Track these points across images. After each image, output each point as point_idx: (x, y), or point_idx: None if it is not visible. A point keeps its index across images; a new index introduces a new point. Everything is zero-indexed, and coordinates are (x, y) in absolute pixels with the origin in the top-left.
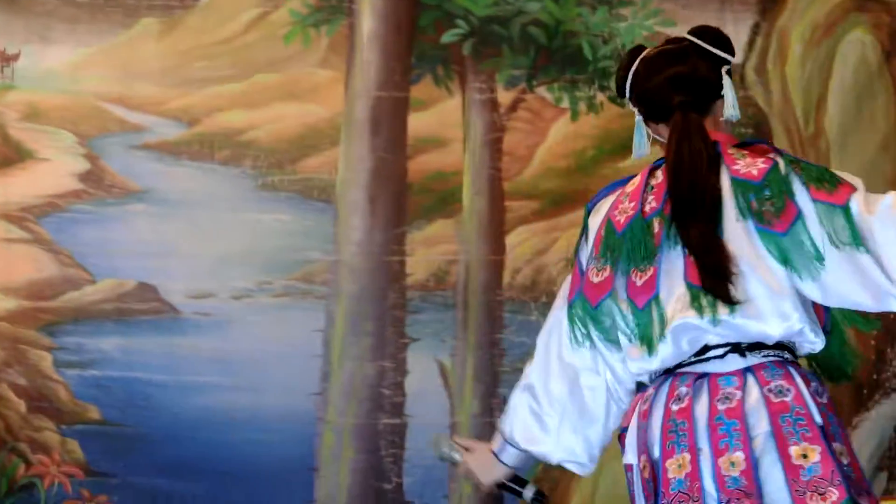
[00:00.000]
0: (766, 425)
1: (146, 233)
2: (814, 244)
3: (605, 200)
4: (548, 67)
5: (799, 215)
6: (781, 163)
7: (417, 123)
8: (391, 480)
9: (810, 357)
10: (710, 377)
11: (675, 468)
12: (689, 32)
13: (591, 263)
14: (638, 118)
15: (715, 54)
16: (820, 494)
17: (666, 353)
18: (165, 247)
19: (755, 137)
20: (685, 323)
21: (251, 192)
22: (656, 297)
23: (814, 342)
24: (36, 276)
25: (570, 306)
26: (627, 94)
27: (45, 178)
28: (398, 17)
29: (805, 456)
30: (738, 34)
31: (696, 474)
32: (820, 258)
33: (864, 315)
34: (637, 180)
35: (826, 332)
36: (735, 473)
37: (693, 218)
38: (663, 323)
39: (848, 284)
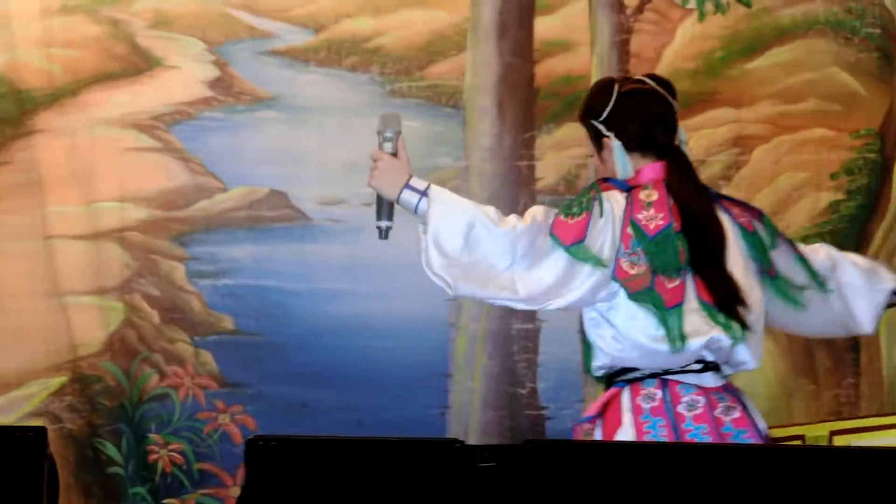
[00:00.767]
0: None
1: (276, 139)
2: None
3: (612, 193)
4: None
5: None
6: (765, 219)
7: (544, 27)
8: (525, 385)
9: None
10: (707, 391)
11: None
12: (659, 83)
13: (622, 255)
14: (617, 143)
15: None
16: None
17: (678, 356)
18: (295, 153)
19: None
20: (715, 337)
21: (379, 99)
22: (681, 306)
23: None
24: (167, 184)
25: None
26: (603, 119)
27: (174, 86)
28: None
29: None
30: None
31: None
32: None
33: None
34: (654, 194)
35: None
36: None
37: (711, 250)
38: (681, 328)
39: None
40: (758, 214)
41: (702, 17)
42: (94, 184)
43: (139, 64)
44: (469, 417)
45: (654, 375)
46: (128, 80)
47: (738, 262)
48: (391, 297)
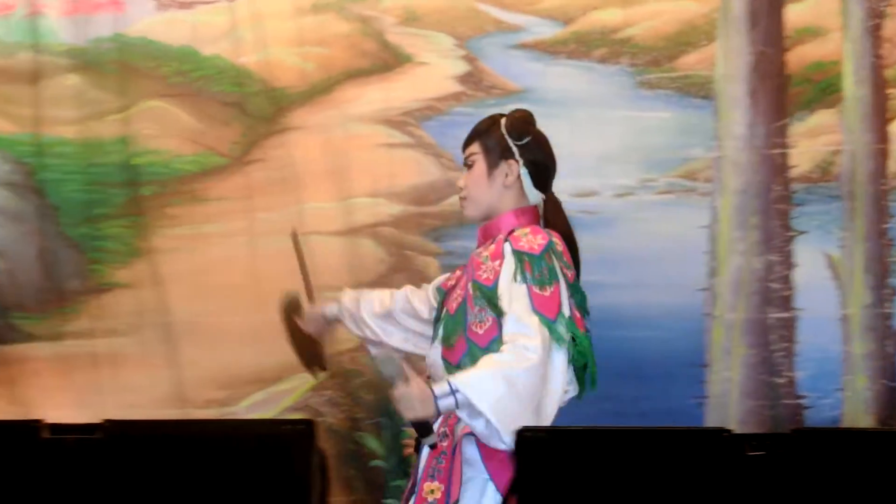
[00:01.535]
0: None
1: None
2: None
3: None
4: None
5: None
6: None
7: (794, 14)
8: (783, 375)
9: None
10: None
11: None
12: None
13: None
14: (525, 171)
15: None
16: None
17: None
18: None
19: None
20: None
21: (629, 90)
22: None
23: None
24: (419, 180)
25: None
26: (521, 143)
27: (424, 82)
28: None
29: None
30: None
31: None
32: None
33: None
34: (559, 244)
35: None
36: None
37: None
38: None
39: None
40: None
41: None
42: (347, 180)
43: (389, 60)
44: (727, 407)
45: None
46: (378, 76)
47: None
48: (645, 287)
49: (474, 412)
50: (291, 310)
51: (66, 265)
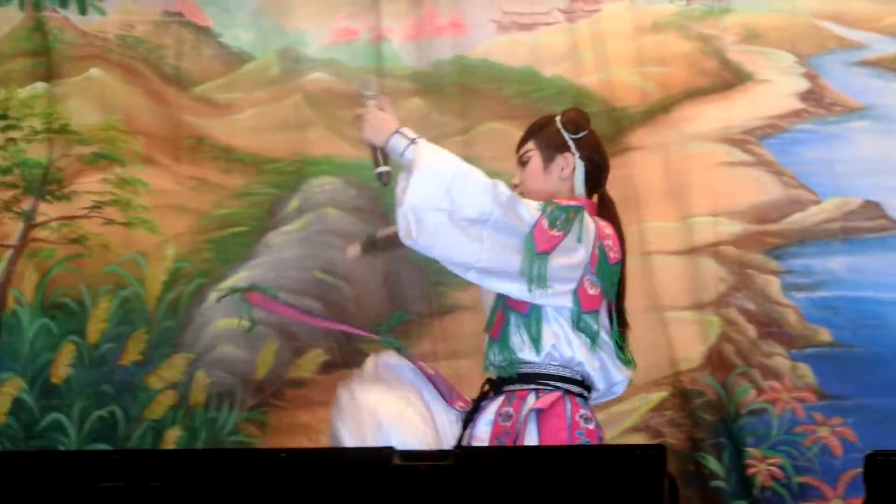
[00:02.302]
0: None
1: (868, 150)
2: None
3: (586, 215)
4: None
5: None
6: None
7: None
8: None
9: None
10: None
11: None
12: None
13: (587, 274)
14: (580, 164)
15: None
16: None
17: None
18: (889, 163)
19: None
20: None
21: None
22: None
23: None
24: (760, 198)
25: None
26: (577, 137)
27: (765, 100)
28: None
29: None
30: None
31: None
32: None
33: None
34: (608, 228)
35: None
36: None
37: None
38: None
39: None
40: None
41: None
42: (688, 199)
43: (729, 78)
44: None
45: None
46: (718, 94)
47: None
48: None
49: (410, 175)
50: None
51: (411, 288)
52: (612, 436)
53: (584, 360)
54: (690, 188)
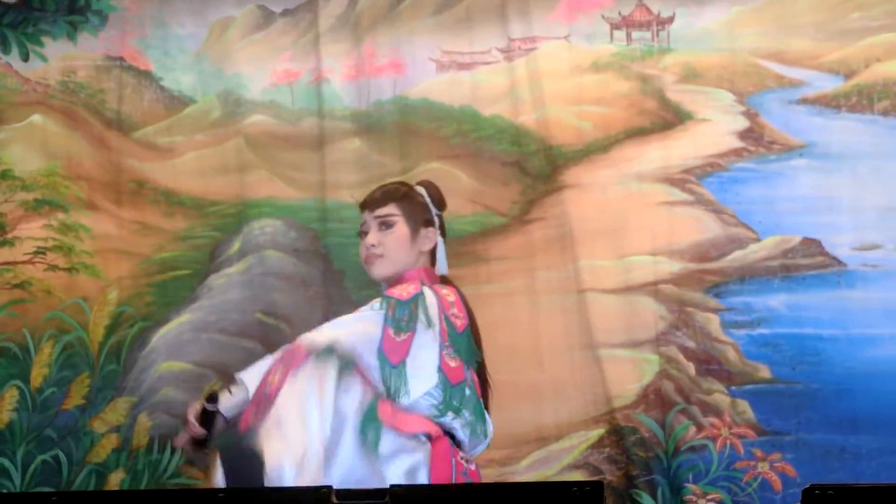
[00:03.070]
0: None
1: (808, 188)
2: None
3: (426, 290)
4: None
5: None
6: None
7: None
8: None
9: None
10: None
11: None
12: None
13: (443, 349)
14: (440, 240)
15: None
16: None
17: None
18: (829, 201)
19: None
20: None
21: None
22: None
23: None
24: (700, 237)
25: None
26: (438, 217)
27: (705, 139)
28: None
29: None
30: None
31: None
32: None
33: None
34: (451, 294)
35: None
36: None
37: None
38: None
39: None
40: None
41: None
42: (625, 238)
43: (669, 118)
44: None
45: None
46: (658, 134)
47: None
48: None
49: None
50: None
51: None
52: (551, 473)
53: (455, 425)
54: (628, 227)
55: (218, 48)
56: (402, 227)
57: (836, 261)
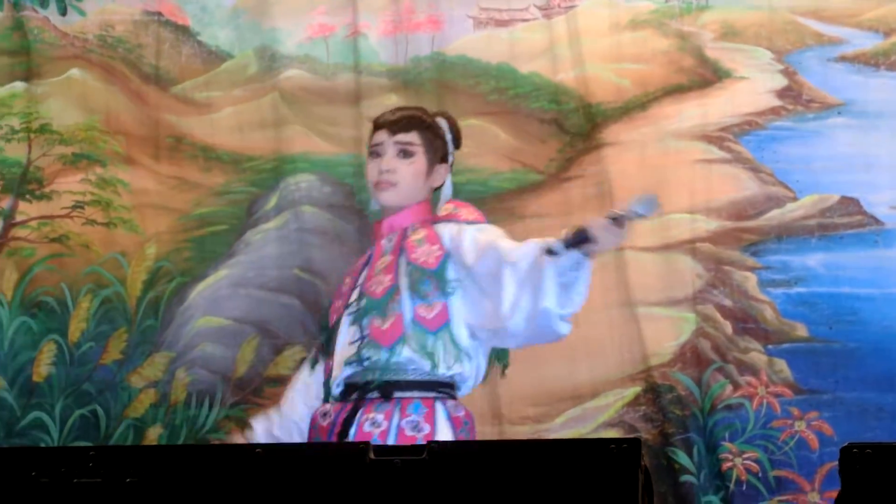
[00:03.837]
0: None
1: (846, 146)
2: None
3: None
4: None
5: None
6: None
7: None
8: None
9: None
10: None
11: None
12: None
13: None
14: (449, 179)
15: None
16: None
17: None
18: (867, 159)
19: None
20: None
21: None
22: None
23: None
24: (737, 195)
25: None
26: (452, 156)
27: (742, 97)
28: None
29: None
30: None
31: None
32: None
33: None
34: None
35: None
36: None
37: None
38: None
39: None
40: None
41: None
42: (664, 196)
43: (707, 76)
44: None
45: None
46: (696, 92)
47: None
48: None
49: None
50: None
51: None
52: (586, 431)
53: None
54: (667, 185)
55: (254, 2)
56: (421, 160)
57: (874, 219)
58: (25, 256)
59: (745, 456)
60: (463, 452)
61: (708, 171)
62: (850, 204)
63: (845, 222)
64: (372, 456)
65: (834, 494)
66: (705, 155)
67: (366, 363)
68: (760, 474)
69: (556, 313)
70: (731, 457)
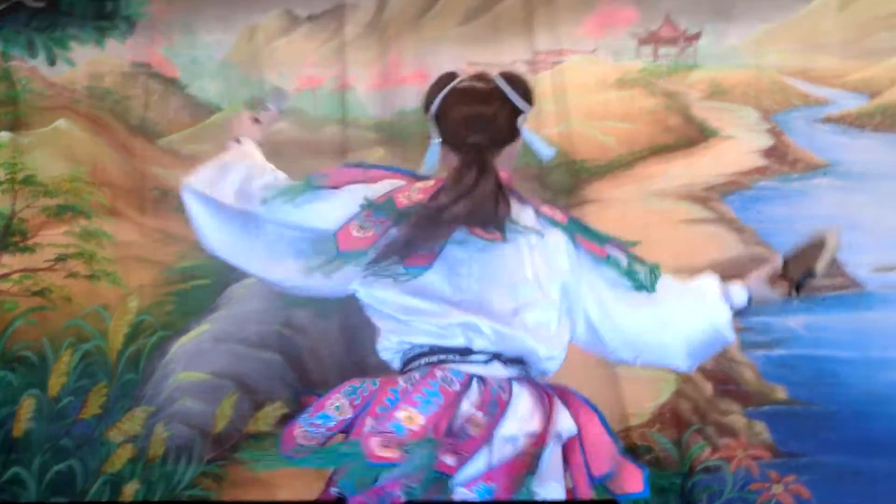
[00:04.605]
0: None
1: (830, 207)
2: None
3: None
4: None
5: None
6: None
7: None
8: None
9: None
10: None
11: None
12: (501, 75)
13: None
14: (435, 141)
15: (515, 103)
16: None
17: None
18: (850, 220)
19: None
20: None
21: None
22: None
23: None
24: (720, 255)
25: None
26: (432, 114)
27: (729, 156)
28: None
29: None
30: None
31: None
32: None
33: None
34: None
35: None
36: None
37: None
38: None
39: None
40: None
41: None
42: (646, 254)
43: (693, 135)
44: None
45: None
46: (682, 151)
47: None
48: None
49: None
50: None
51: (369, 340)
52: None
53: None
54: (650, 244)
55: (244, 55)
56: None
57: (856, 282)
58: (7, 310)
59: None
60: None
61: (691, 230)
62: (832, 266)
63: (827, 284)
64: None
65: None
66: (689, 215)
67: None
68: None
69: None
70: None
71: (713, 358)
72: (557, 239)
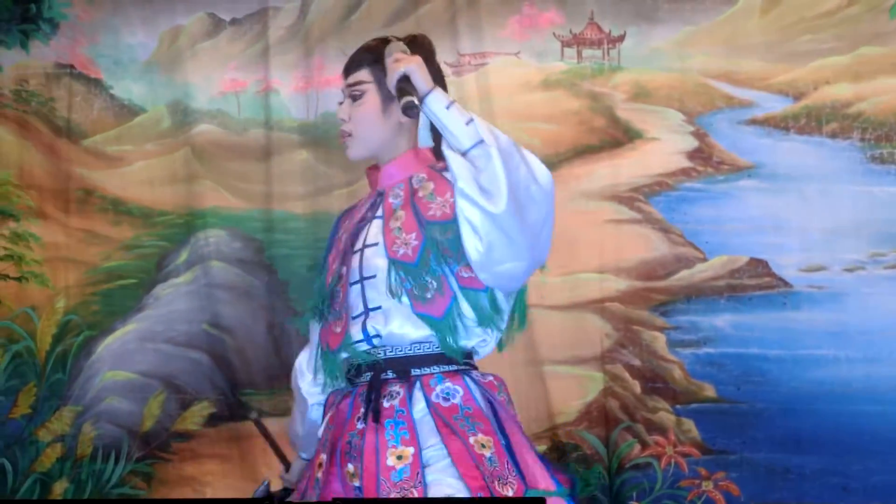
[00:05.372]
0: None
1: (756, 208)
2: None
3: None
4: None
5: None
6: None
7: None
8: None
9: None
10: None
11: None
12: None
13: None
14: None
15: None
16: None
17: None
18: (776, 221)
19: None
20: None
21: (860, 165)
22: None
23: None
24: (647, 255)
25: None
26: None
27: (653, 158)
28: None
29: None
30: None
31: None
32: None
33: None
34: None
35: None
36: None
37: None
38: None
39: None
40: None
41: None
42: (573, 255)
43: (618, 136)
44: None
45: None
46: (607, 152)
47: None
48: (878, 362)
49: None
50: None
51: (296, 341)
52: None
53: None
54: (576, 244)
55: (168, 57)
56: (372, 97)
57: (783, 282)
58: None
59: None
60: None
61: (618, 231)
62: (758, 265)
63: (754, 284)
64: None
65: None
66: (615, 215)
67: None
68: None
69: None
70: None
71: (641, 356)
72: None
